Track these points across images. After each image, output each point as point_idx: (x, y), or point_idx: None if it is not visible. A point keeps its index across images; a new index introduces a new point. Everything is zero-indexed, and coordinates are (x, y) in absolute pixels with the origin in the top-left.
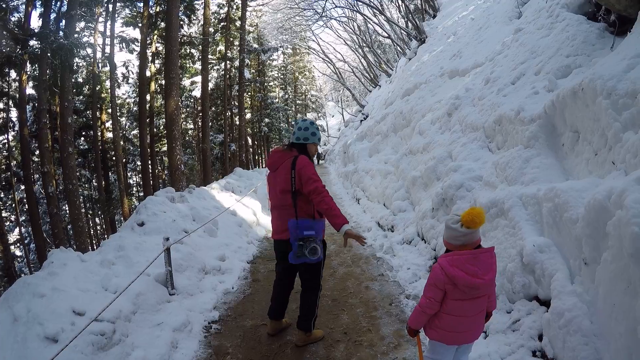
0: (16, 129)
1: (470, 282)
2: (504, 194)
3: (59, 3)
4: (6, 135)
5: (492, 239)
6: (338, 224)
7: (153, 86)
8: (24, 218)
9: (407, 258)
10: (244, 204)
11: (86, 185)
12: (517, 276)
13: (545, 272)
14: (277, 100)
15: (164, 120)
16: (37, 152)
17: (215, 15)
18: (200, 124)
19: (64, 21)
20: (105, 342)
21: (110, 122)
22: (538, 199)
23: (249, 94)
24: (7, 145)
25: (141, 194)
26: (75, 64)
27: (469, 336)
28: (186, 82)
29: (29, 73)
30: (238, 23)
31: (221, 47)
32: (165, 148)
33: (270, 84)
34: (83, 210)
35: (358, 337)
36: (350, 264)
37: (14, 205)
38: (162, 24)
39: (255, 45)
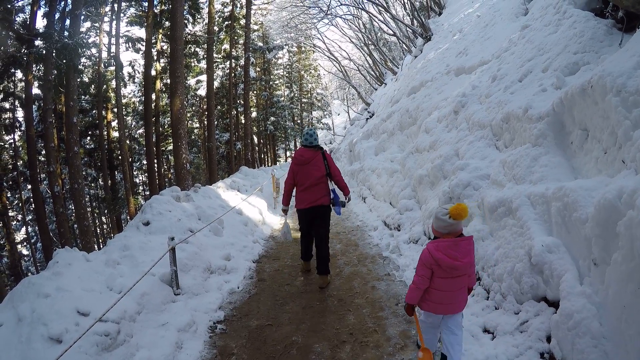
0: (22, 128)
1: (451, 263)
2: (512, 192)
3: (63, 3)
4: (13, 135)
5: (500, 238)
6: (347, 193)
7: (158, 85)
8: (30, 217)
9: (413, 257)
10: (249, 203)
11: (92, 184)
12: (526, 277)
13: (554, 273)
14: (282, 98)
15: (169, 119)
16: (43, 152)
17: (220, 13)
18: (205, 122)
19: (68, 21)
20: (110, 343)
21: (116, 121)
22: (547, 198)
23: (255, 92)
24: (13, 145)
25: (147, 192)
26: (81, 63)
27: (453, 308)
28: (191, 81)
29: (34, 73)
30: (243, 21)
31: (226, 46)
32: (170, 147)
33: (275, 82)
34: (89, 209)
35: (364, 338)
36: (357, 263)
37: (20, 204)
38: (167, 23)
39: (260, 44)
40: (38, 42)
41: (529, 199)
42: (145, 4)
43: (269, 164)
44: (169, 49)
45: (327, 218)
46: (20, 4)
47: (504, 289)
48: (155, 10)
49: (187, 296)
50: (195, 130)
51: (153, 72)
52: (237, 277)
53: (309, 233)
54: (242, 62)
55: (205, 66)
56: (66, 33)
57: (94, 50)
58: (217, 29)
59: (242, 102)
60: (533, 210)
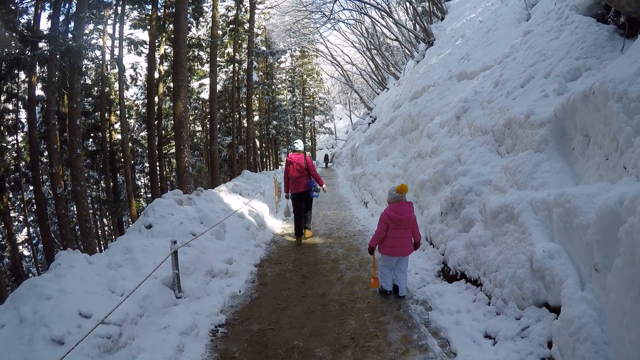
0: (25, 130)
1: (398, 218)
2: (514, 198)
3: (67, 5)
4: (15, 136)
5: (501, 244)
6: (321, 184)
7: (161, 88)
8: (32, 218)
9: (415, 262)
10: (251, 207)
11: (94, 187)
12: (527, 282)
13: (556, 279)
14: (285, 102)
15: (172, 122)
16: (45, 153)
17: (224, 17)
18: (208, 126)
19: (72, 23)
20: (112, 345)
21: (119, 123)
22: (548, 204)
23: (257, 96)
24: (16, 146)
25: (149, 195)
26: (84, 66)
27: (403, 251)
28: (194, 85)
29: (38, 75)
30: (246, 25)
31: (229, 50)
32: (173, 150)
33: (278, 86)
34: (91, 211)
35: (365, 343)
36: (358, 268)
37: (22, 205)
38: (171, 27)
39: (264, 48)
40: (42, 44)
41: (531, 204)
42: (149, 7)
43: (271, 168)
44: (172, 53)
45: (307, 198)
46: (24, 5)
47: (505, 295)
48: (159, 14)
49: (188, 299)
50: (198, 134)
51: (156, 75)
52: (238, 281)
53: (300, 213)
54: (245, 65)
55: (208, 70)
56: (70, 35)
57: (97, 53)
58: (221, 33)
59: (245, 106)
60: (535, 216)
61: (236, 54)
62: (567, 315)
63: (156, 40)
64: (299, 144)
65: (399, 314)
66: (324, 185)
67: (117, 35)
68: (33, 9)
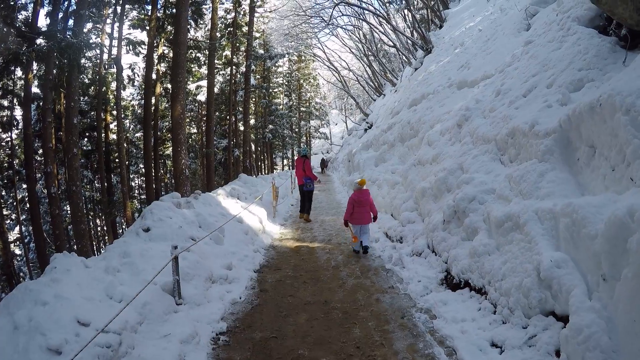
0: (20, 127)
1: (359, 200)
2: (519, 208)
3: (66, 2)
4: (10, 134)
5: (506, 253)
6: (314, 179)
7: (158, 89)
8: (24, 217)
9: (417, 270)
10: (250, 212)
11: (88, 186)
12: (534, 291)
13: (563, 288)
14: (281, 107)
15: (167, 123)
16: (40, 152)
17: (223, 20)
18: (204, 128)
19: (71, 20)
20: (112, 355)
21: (115, 123)
22: (555, 214)
23: (254, 100)
24: (10, 144)
25: (143, 196)
26: (82, 64)
27: (363, 221)
28: (191, 87)
29: (35, 72)
30: (245, 29)
31: (227, 52)
32: (168, 151)
33: (275, 90)
34: (85, 212)
35: (371, 352)
36: (360, 275)
37: (15, 203)
38: (169, 28)
39: (262, 51)
40: (40, 41)
41: (537, 214)
42: (149, 7)
43: (266, 172)
44: (170, 54)
45: (308, 191)
46: (22, 1)
47: (511, 304)
48: (159, 14)
49: (189, 306)
50: (193, 136)
51: (153, 76)
52: (238, 287)
53: (302, 197)
54: (242, 68)
55: (206, 72)
56: (68, 33)
57: (96, 51)
58: (220, 35)
59: (242, 109)
60: (541, 226)
61: (234, 56)
62: (575, 324)
63: (155, 41)
64: (305, 151)
65: (404, 322)
66: (317, 179)
67: (115, 35)
68: (32, 5)
